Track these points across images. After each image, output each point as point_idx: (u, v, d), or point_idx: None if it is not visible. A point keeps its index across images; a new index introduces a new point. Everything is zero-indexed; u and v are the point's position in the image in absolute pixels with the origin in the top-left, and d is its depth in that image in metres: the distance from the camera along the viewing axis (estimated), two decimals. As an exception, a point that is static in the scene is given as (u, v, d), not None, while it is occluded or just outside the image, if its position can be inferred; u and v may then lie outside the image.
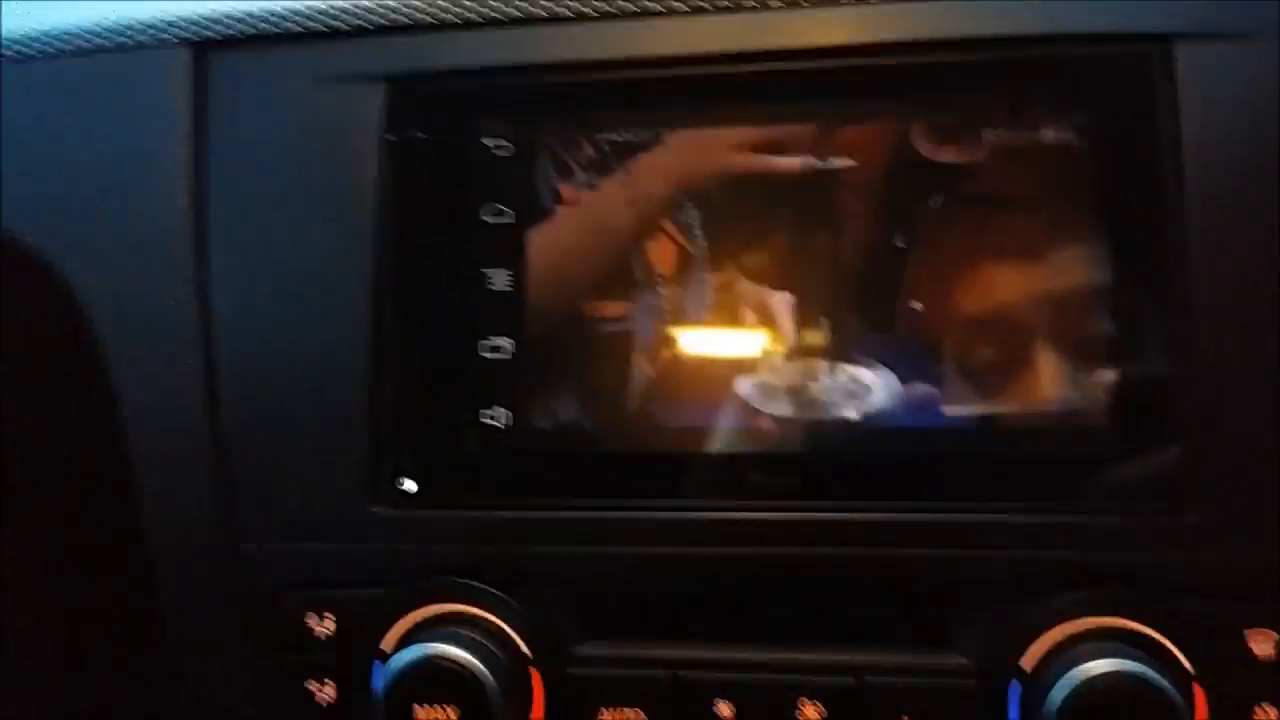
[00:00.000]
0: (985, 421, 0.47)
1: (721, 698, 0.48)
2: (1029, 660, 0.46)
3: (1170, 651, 0.45)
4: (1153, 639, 0.45)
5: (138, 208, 0.52)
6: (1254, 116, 0.45)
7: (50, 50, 0.54)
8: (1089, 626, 0.45)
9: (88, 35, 0.53)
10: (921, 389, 0.47)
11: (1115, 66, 0.47)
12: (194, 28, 0.52)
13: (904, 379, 0.48)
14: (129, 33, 0.53)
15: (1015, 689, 0.46)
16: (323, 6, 0.52)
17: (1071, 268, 0.47)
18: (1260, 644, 0.45)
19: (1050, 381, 0.46)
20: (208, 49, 0.52)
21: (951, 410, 0.47)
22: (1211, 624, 0.45)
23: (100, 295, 0.52)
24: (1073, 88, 0.47)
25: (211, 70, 0.52)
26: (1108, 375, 0.46)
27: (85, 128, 0.53)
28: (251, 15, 0.52)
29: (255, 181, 0.52)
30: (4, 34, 0.54)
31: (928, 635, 0.47)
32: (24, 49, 0.54)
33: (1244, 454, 0.45)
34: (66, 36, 0.54)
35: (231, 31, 0.52)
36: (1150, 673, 0.43)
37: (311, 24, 0.52)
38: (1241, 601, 0.45)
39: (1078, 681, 0.43)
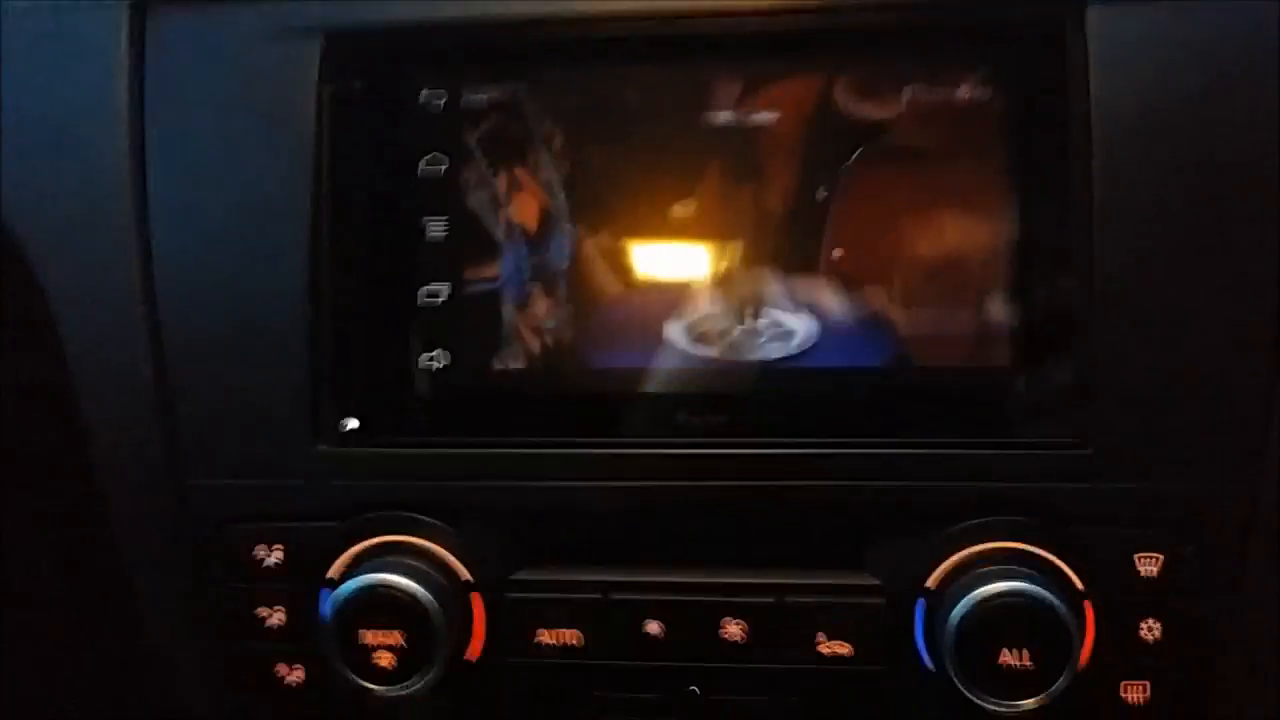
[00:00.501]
0: (899, 361, 0.50)
1: (651, 617, 0.51)
2: (934, 580, 0.49)
3: (1064, 572, 0.48)
4: (1048, 561, 0.48)
5: (78, 156, 0.53)
6: (1160, 76, 0.47)
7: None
8: (989, 549, 0.49)
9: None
10: (841, 331, 0.50)
11: (1030, 26, 0.48)
12: None
13: (825, 322, 0.50)
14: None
15: (920, 606, 0.49)
16: None
17: (983, 218, 0.49)
18: (1146, 565, 0.48)
19: (961, 324, 0.49)
20: (146, 7, 0.53)
21: (867, 351, 0.50)
22: (1103, 547, 0.48)
23: (41, 240, 0.53)
24: (989, 46, 0.49)
25: (150, 24, 0.53)
26: (1014, 319, 0.49)
27: (21, 77, 0.53)
28: None
29: (195, 132, 0.52)
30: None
31: (843, 559, 0.51)
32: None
33: (1138, 393, 0.48)
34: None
35: None
36: (1041, 591, 0.47)
37: None
38: (1131, 527, 0.48)
39: (976, 599, 0.47)
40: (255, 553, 0.53)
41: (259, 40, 0.52)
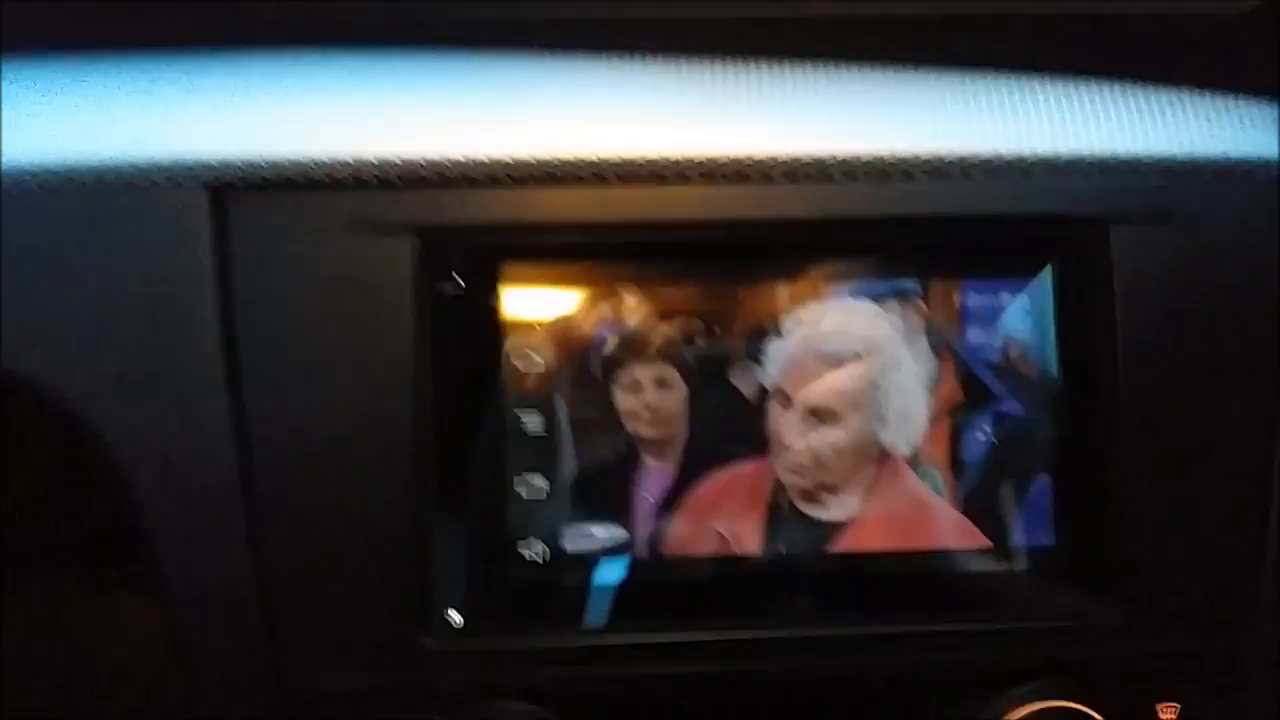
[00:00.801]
0: (960, 544, 0.56)
1: None
2: None
3: None
4: (1087, 715, 0.55)
5: (164, 348, 0.52)
6: (1174, 286, 0.55)
7: (55, 185, 0.52)
8: (1040, 709, 0.55)
9: (98, 172, 0.52)
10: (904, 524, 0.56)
11: (1063, 242, 0.56)
12: (212, 171, 0.53)
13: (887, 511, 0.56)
14: (144, 172, 0.52)
15: None
16: (347, 156, 0.53)
17: (1026, 424, 0.56)
18: (1166, 714, 0.56)
19: (1013, 510, 0.56)
20: (225, 192, 0.53)
21: (931, 541, 0.56)
22: (1133, 699, 0.56)
23: (130, 439, 0.52)
24: (1029, 258, 0.56)
25: (231, 213, 0.53)
26: (1060, 504, 0.56)
27: (99, 266, 0.52)
28: (275, 162, 0.53)
29: (284, 324, 0.53)
30: (4, 163, 0.52)
31: None
32: (25, 181, 0.52)
33: (1166, 569, 0.56)
34: (73, 171, 0.52)
35: (251, 177, 0.53)
36: None
37: (337, 173, 0.53)
38: (1155, 682, 0.56)
39: None
40: None
41: (347, 233, 0.53)
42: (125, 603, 0.62)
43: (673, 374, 0.55)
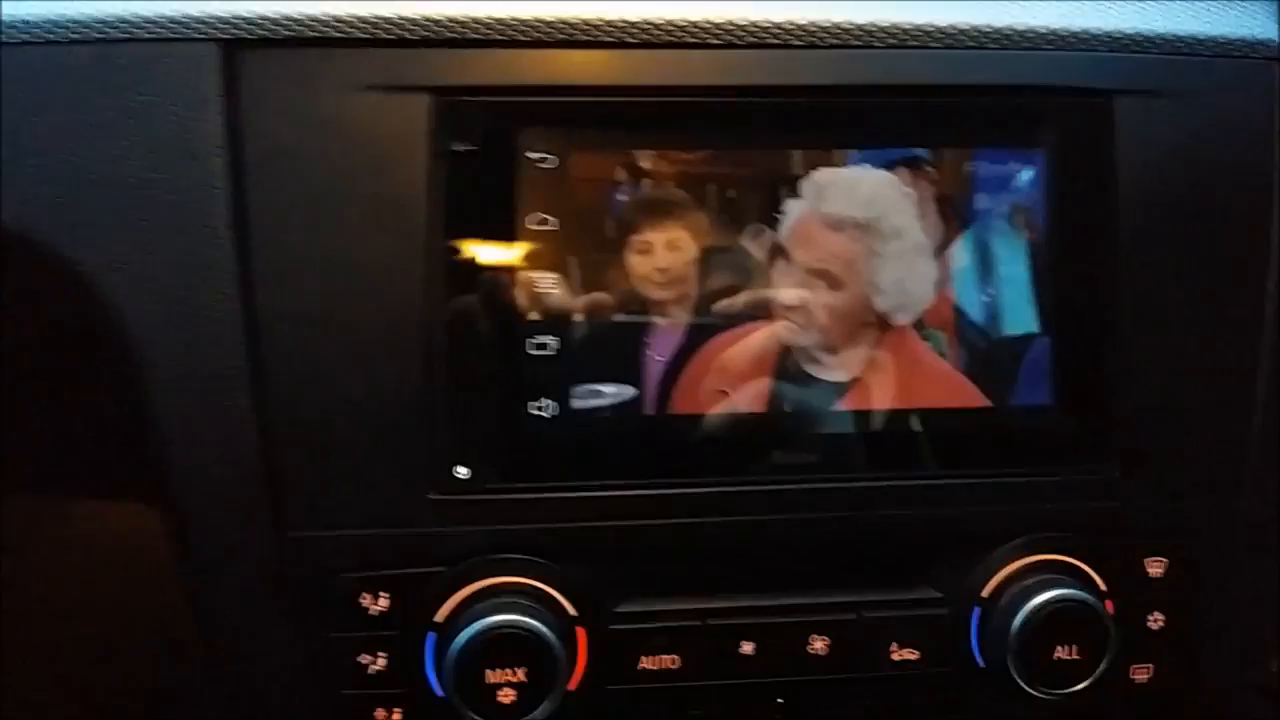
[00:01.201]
0: (956, 405, 0.57)
1: (744, 639, 0.56)
2: (987, 590, 0.57)
3: (1092, 577, 0.58)
4: (1080, 568, 0.58)
5: (171, 200, 0.52)
6: (1177, 161, 0.57)
7: (58, 38, 0.52)
8: (1033, 562, 0.57)
9: (105, 25, 0.52)
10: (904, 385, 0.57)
11: (1067, 111, 0.57)
12: (225, 25, 0.52)
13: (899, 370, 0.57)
14: (153, 26, 0.52)
15: (976, 613, 0.57)
16: (363, 13, 0.52)
17: (1029, 289, 0.57)
18: (1154, 567, 0.59)
19: (1014, 370, 0.57)
20: (237, 48, 0.52)
21: (932, 400, 0.57)
22: (1122, 555, 0.58)
23: (133, 292, 0.52)
24: (1033, 128, 0.57)
25: (242, 69, 0.52)
26: (1056, 366, 0.57)
27: (105, 122, 0.52)
28: (287, 18, 0.52)
29: (295, 181, 0.53)
30: (4, 16, 0.51)
31: (910, 577, 0.58)
32: (28, 34, 0.51)
33: (1158, 429, 0.58)
34: (78, 24, 0.52)
35: (264, 33, 0.52)
36: (1086, 595, 0.56)
37: (353, 32, 0.52)
38: (1143, 537, 0.58)
39: (1035, 605, 0.55)
40: (361, 601, 0.54)
41: (361, 92, 0.53)
42: (127, 508, 0.63)
43: (684, 236, 0.56)
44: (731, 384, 0.56)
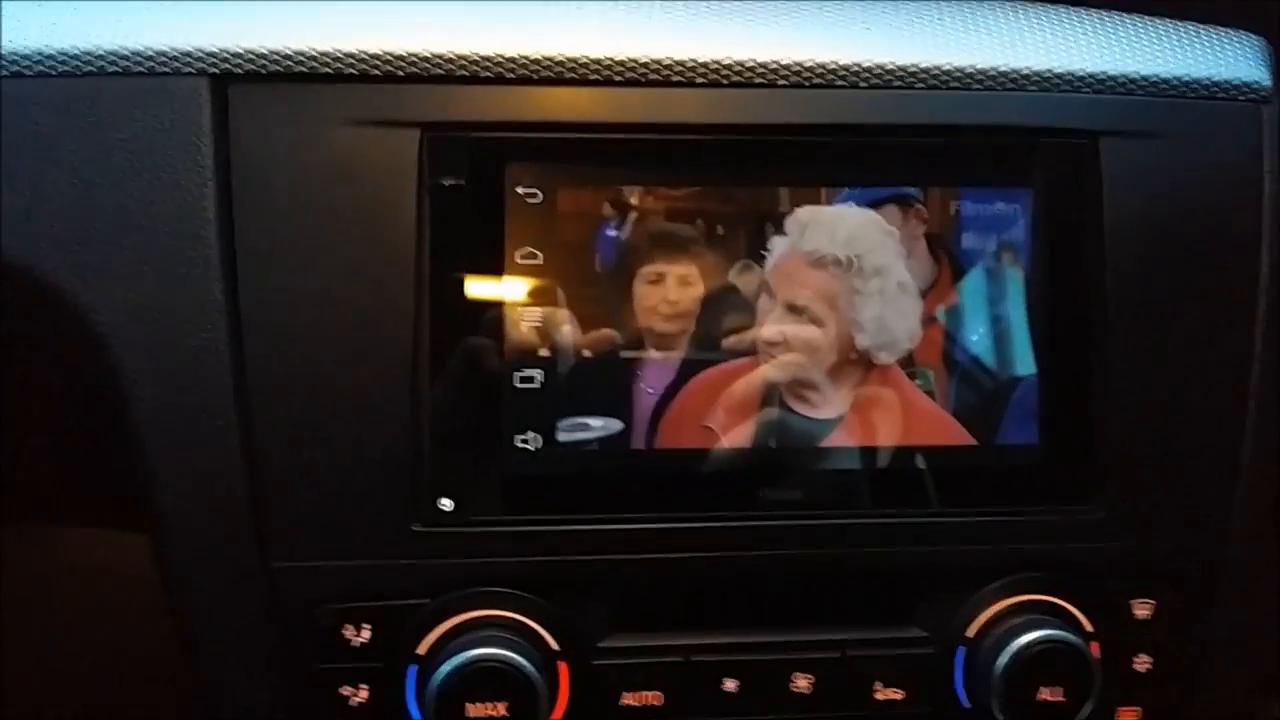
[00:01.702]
0: (942, 444, 0.57)
1: (728, 675, 0.56)
2: (972, 630, 0.57)
3: (1077, 618, 0.57)
4: (1065, 609, 0.57)
5: (161, 232, 0.52)
6: (1164, 203, 0.57)
7: (49, 70, 0.52)
8: (1018, 602, 0.57)
9: (96, 59, 0.52)
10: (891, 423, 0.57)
11: (1054, 152, 0.57)
12: (215, 60, 0.52)
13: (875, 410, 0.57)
14: (144, 59, 0.52)
15: (961, 652, 0.57)
16: (352, 49, 0.53)
17: (1009, 327, 0.57)
18: (1141, 610, 0.58)
19: (998, 418, 0.57)
20: (227, 82, 0.53)
21: (918, 438, 0.57)
22: (1108, 596, 0.58)
23: (121, 323, 0.52)
24: (1021, 168, 0.58)
25: (232, 103, 0.53)
26: (1042, 406, 0.57)
27: (98, 154, 0.52)
28: (277, 52, 0.53)
29: (284, 213, 0.53)
30: (4, 48, 0.52)
31: (895, 615, 0.58)
32: (25, 67, 0.52)
33: (1142, 470, 0.57)
34: (69, 57, 0.52)
35: (254, 67, 0.53)
36: (1071, 636, 0.55)
37: (342, 67, 0.53)
38: (1129, 578, 0.58)
39: (1019, 645, 0.55)
40: (343, 631, 0.54)
41: (350, 127, 0.53)
42: (114, 537, 0.63)
43: (694, 271, 0.56)
44: (719, 420, 0.56)
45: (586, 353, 0.55)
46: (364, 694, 0.55)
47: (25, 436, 0.59)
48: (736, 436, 0.56)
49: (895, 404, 0.57)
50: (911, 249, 0.57)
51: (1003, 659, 0.55)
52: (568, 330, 0.55)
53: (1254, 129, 0.58)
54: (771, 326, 0.56)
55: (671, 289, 0.56)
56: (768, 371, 0.56)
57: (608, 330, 0.55)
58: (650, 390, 0.56)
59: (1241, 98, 0.58)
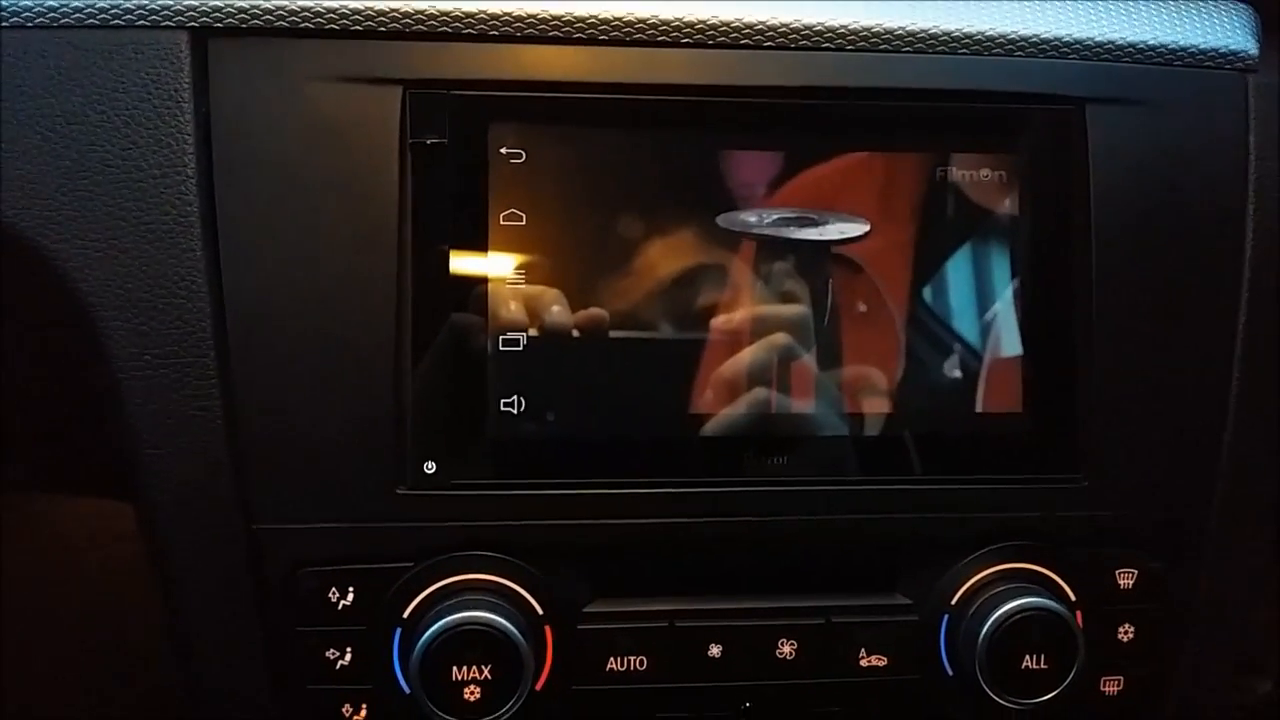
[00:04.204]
0: (930, 408, 0.57)
1: (712, 641, 0.56)
2: (956, 598, 0.57)
3: (1061, 587, 0.57)
4: (1049, 578, 0.57)
5: (141, 187, 0.52)
6: (1150, 170, 0.57)
7: (27, 23, 0.51)
8: (1002, 570, 0.57)
9: (76, 12, 0.52)
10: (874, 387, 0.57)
11: (1040, 119, 0.57)
12: (194, 13, 0.52)
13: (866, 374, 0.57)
14: (124, 13, 0.52)
15: (945, 620, 0.57)
16: (334, 4, 0.52)
17: (997, 285, 0.57)
18: (1124, 579, 0.58)
19: (980, 385, 0.57)
20: (207, 36, 0.52)
21: (886, 405, 0.57)
22: (1092, 565, 0.58)
23: (102, 280, 0.52)
24: (1006, 135, 0.57)
25: (212, 57, 0.52)
26: (1026, 375, 0.57)
27: (76, 108, 0.52)
28: (257, 7, 0.52)
29: (264, 169, 0.53)
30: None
31: (879, 583, 0.58)
32: (1, 17, 0.51)
33: (1125, 439, 0.57)
34: (48, 10, 0.51)
35: (234, 21, 0.52)
36: (1056, 605, 0.55)
37: (324, 22, 0.52)
38: (1114, 547, 0.58)
39: (1004, 614, 0.55)
40: (329, 595, 0.54)
41: (331, 83, 0.53)
42: (100, 503, 0.63)
43: (680, 234, 0.55)
44: (705, 386, 0.56)
45: (571, 318, 0.55)
46: (349, 657, 0.55)
47: (11, 403, 0.59)
48: (723, 403, 0.56)
49: (879, 372, 0.57)
50: (894, 214, 0.56)
51: (986, 627, 0.55)
52: (552, 294, 0.55)
53: (1240, 97, 0.58)
54: (757, 299, 0.56)
55: (657, 253, 0.55)
56: (755, 343, 0.56)
57: (592, 296, 0.55)
58: (634, 355, 0.55)
59: (1228, 66, 0.58)
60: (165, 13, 0.52)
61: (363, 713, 0.55)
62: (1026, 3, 0.58)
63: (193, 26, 0.52)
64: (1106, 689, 0.59)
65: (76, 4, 0.52)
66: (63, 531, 0.70)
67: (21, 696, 0.67)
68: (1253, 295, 0.58)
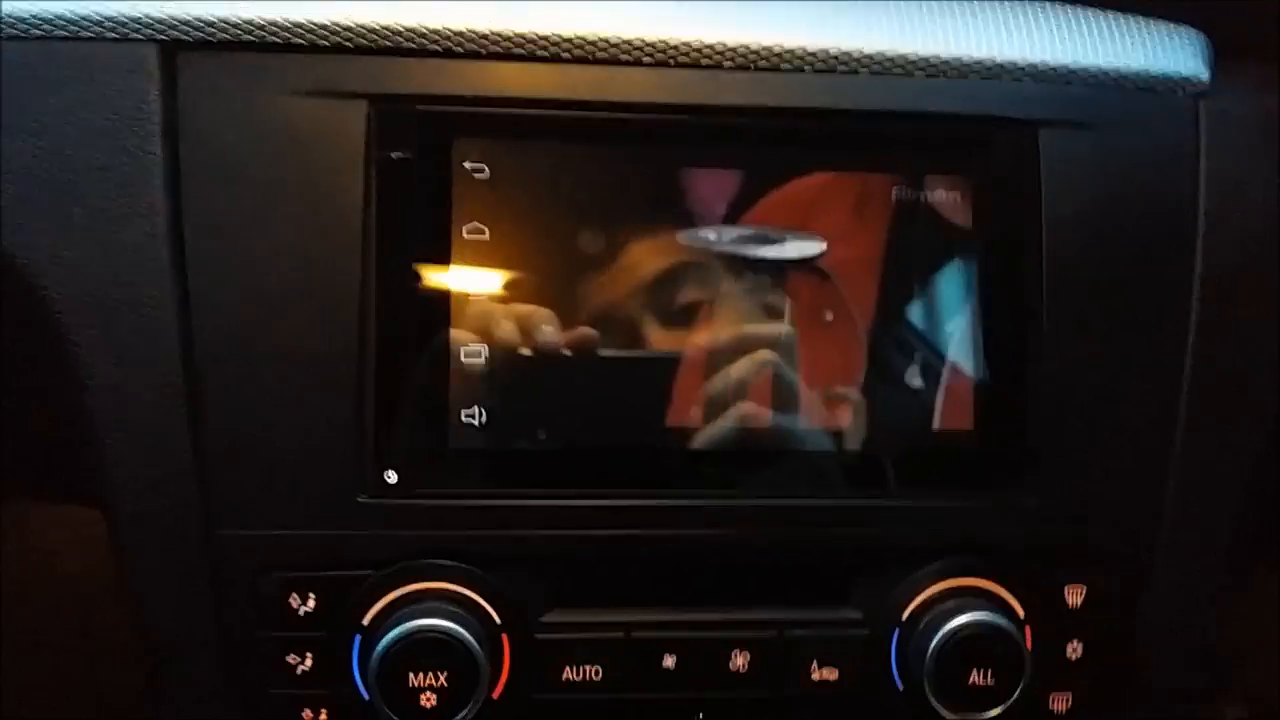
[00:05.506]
0: (882, 428, 0.58)
1: (667, 652, 0.57)
2: (907, 613, 0.58)
3: (1010, 604, 0.58)
4: (998, 595, 0.58)
5: (109, 198, 0.52)
6: (1101, 194, 0.58)
7: (2, 36, 0.52)
8: (952, 586, 0.58)
9: (46, 23, 0.52)
10: (830, 403, 0.58)
11: (993, 143, 0.58)
12: (164, 27, 0.53)
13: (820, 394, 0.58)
14: (94, 25, 0.52)
15: (895, 635, 0.58)
16: (302, 19, 0.53)
17: (949, 310, 0.58)
18: (1073, 596, 0.59)
19: (937, 403, 0.58)
20: (177, 49, 0.53)
21: (852, 423, 0.58)
22: (1041, 582, 0.59)
23: (69, 288, 0.52)
24: (960, 159, 0.58)
25: (181, 70, 0.53)
26: (978, 396, 0.58)
27: (43, 118, 0.52)
28: (226, 21, 0.53)
29: (232, 182, 0.53)
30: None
31: (832, 596, 0.59)
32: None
33: (1073, 460, 0.58)
34: (18, 21, 0.52)
35: (203, 35, 0.53)
36: (1003, 621, 0.56)
37: (291, 37, 0.53)
38: (1062, 564, 0.59)
39: (951, 629, 0.56)
40: (290, 601, 0.55)
41: (298, 97, 0.53)
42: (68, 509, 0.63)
43: (639, 251, 0.56)
44: (664, 402, 0.57)
45: (532, 331, 0.56)
46: (309, 662, 0.56)
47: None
48: (680, 418, 0.57)
49: (838, 389, 0.58)
50: (853, 233, 0.57)
51: (934, 642, 0.56)
52: (513, 309, 0.55)
53: (1190, 121, 0.59)
54: (716, 316, 0.57)
55: (618, 269, 0.56)
56: (713, 360, 0.57)
57: (553, 310, 0.56)
58: (593, 369, 0.56)
59: (1179, 90, 0.59)
60: (135, 26, 0.53)
61: (322, 717, 0.56)
62: (982, 27, 0.59)
63: (162, 40, 0.53)
64: (1055, 705, 0.60)
65: (48, 16, 0.52)
66: (42, 537, 0.71)
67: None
68: (1202, 318, 0.58)
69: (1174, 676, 0.63)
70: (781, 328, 0.57)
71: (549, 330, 0.56)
